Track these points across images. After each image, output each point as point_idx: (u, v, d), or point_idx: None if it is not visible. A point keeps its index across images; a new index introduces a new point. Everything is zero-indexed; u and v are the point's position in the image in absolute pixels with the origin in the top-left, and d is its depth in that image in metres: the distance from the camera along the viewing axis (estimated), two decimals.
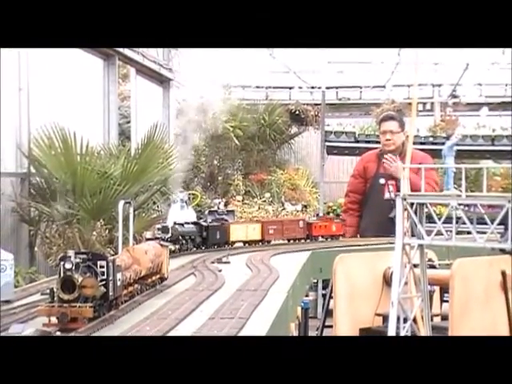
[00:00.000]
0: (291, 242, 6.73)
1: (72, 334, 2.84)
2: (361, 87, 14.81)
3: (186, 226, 4.77)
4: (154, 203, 8.97)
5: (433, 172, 7.67)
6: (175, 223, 4.62)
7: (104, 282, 3.07)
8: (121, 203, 3.96)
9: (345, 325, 4.58)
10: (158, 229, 4.50)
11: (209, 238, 5.80)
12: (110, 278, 3.09)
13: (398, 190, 6.74)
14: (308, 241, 6.85)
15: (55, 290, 2.98)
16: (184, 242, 5.37)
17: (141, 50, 10.80)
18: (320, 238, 6.97)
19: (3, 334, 2.85)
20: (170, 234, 4.33)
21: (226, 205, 10.86)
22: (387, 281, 4.59)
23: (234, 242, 6.19)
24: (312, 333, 7.01)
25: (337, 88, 14.88)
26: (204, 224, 5.60)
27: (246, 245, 6.32)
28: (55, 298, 2.98)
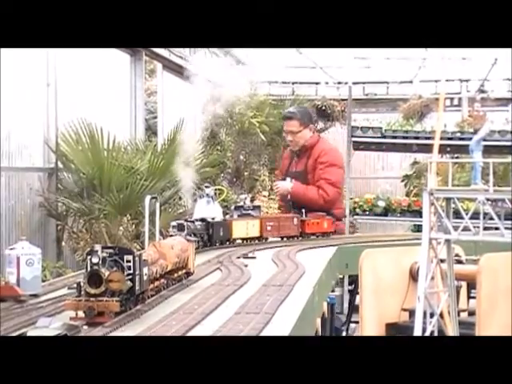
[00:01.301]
0: (284, 239, 6.61)
1: (97, 329, 2.86)
2: (388, 82, 14.74)
3: (196, 223, 4.69)
4: (180, 198, 8.99)
5: (334, 170, 7.57)
6: (187, 220, 4.56)
7: (130, 277, 3.08)
8: (147, 198, 3.98)
9: (371, 320, 4.57)
10: (173, 226, 4.35)
11: (213, 235, 5.71)
12: (137, 272, 3.10)
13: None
14: (300, 238, 6.73)
15: (82, 284, 2.99)
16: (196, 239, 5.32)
17: None
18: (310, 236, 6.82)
19: (31, 327, 2.86)
20: (185, 232, 4.20)
21: (252, 200, 10.88)
22: (414, 276, 4.57)
23: (234, 240, 6.10)
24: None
25: (363, 83, 14.82)
26: (210, 221, 5.53)
27: (245, 242, 6.22)
28: (82, 292, 3.00)
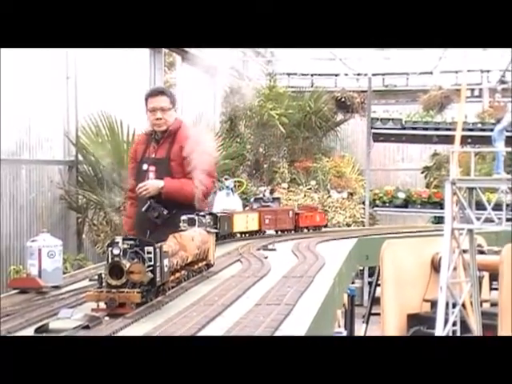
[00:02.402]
0: (279, 233, 6.42)
1: (118, 320, 2.86)
2: (408, 73, 14.69)
3: (207, 217, 4.52)
4: None
5: (207, 158, 6.28)
6: (197, 214, 4.41)
7: (151, 268, 3.08)
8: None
9: (392, 311, 4.56)
10: (184, 220, 4.12)
11: (220, 229, 5.65)
12: (157, 263, 3.11)
13: (157, 177, 6.18)
14: (293, 232, 6.52)
15: (103, 275, 3.00)
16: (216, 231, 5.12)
17: None
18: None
19: (53, 318, 2.88)
20: (196, 226, 4.04)
21: (271, 192, 10.88)
22: (435, 266, 4.55)
23: (235, 234, 5.97)
24: (358, 320, 6.98)
25: (383, 75, 14.78)
26: (218, 215, 5.45)
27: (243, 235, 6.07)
28: (103, 284, 3.00)
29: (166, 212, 5.90)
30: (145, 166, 6.28)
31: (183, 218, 4.11)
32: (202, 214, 4.30)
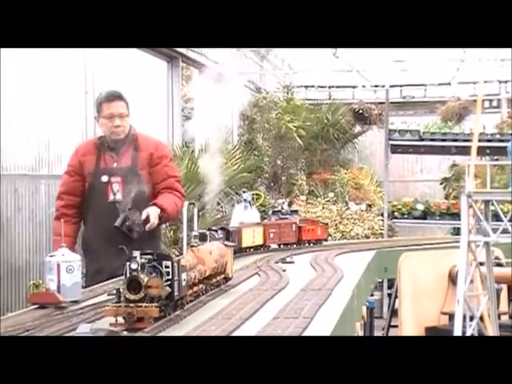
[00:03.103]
0: (282, 247, 6.19)
1: (137, 335, 2.87)
2: (425, 85, 14.66)
3: (219, 231, 4.36)
4: (218, 204, 9.03)
5: (175, 166, 6.11)
6: (210, 229, 4.17)
7: (169, 282, 3.08)
8: (185, 204, 3.99)
9: (410, 323, 4.55)
10: (195, 236, 3.87)
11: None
12: (175, 278, 3.11)
13: (124, 188, 5.63)
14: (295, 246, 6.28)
15: (121, 290, 3.00)
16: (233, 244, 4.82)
17: (204, 51, 10.86)
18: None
19: (72, 333, 2.89)
20: (208, 242, 3.87)
21: (289, 205, 10.88)
22: (453, 279, 4.54)
23: (242, 249, 5.62)
24: (378, 333, 6.96)
25: (401, 86, 14.76)
26: (229, 229, 5.07)
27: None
28: (122, 298, 3.00)
29: (142, 225, 5.56)
30: (104, 178, 5.73)
31: (194, 233, 3.91)
32: (213, 228, 4.24)
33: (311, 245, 6.36)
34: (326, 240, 6.52)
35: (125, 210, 5.54)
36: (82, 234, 5.99)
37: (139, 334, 2.89)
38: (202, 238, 3.85)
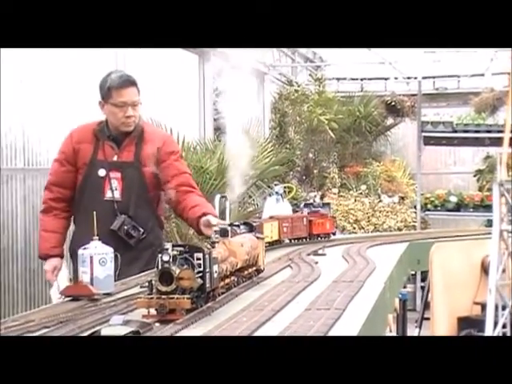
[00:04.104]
0: (293, 241, 5.87)
1: (169, 326, 2.89)
2: (459, 76, 14.57)
3: (241, 226, 4.08)
4: (250, 197, 9.04)
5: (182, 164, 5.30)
6: (232, 224, 3.96)
7: (201, 274, 3.09)
8: (217, 197, 4.00)
9: (442, 314, 4.51)
10: (216, 232, 3.64)
11: None
12: (207, 269, 3.12)
13: (125, 186, 5.02)
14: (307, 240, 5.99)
15: (154, 282, 3.02)
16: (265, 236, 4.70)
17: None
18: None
19: (104, 325, 2.91)
20: (229, 237, 3.64)
21: (321, 198, 10.88)
22: (486, 269, 4.49)
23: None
24: (411, 325, 6.93)
25: (434, 78, 14.68)
26: (253, 224, 4.51)
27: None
28: (154, 290, 3.01)
29: (142, 231, 5.03)
30: (102, 172, 5.05)
31: (215, 228, 3.70)
32: (235, 223, 4.01)
33: (322, 239, 6.09)
34: (334, 234, 6.26)
35: (123, 212, 4.99)
36: (72, 237, 5.35)
37: (171, 325, 2.90)
38: (223, 233, 3.65)
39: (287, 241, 5.79)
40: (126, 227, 4.93)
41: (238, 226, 3.98)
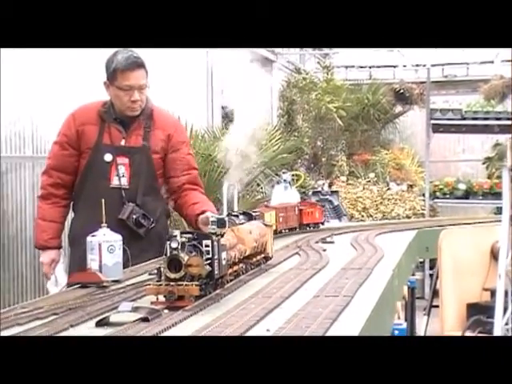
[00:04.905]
0: (285, 231, 5.58)
1: (177, 313, 2.90)
2: (468, 63, 14.53)
3: (240, 216, 3.90)
4: (258, 185, 9.05)
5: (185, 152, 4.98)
6: (230, 214, 3.79)
7: (209, 261, 3.09)
8: (225, 185, 3.97)
9: (451, 301, 4.52)
10: (212, 222, 3.40)
11: None
12: (215, 257, 3.13)
13: (133, 173, 4.74)
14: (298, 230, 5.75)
15: (162, 269, 3.03)
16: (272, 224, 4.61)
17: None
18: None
19: (113, 311, 2.92)
20: (226, 229, 3.40)
21: (330, 186, 10.87)
22: (495, 255, 4.49)
23: None
24: (419, 312, 6.93)
25: (443, 65, 14.64)
26: (253, 213, 4.27)
27: None
28: (162, 277, 3.02)
29: (151, 220, 4.78)
30: (108, 157, 4.74)
31: (212, 219, 3.44)
32: (234, 213, 3.84)
33: (312, 228, 5.87)
34: (322, 223, 6.01)
35: (131, 200, 4.70)
36: (70, 224, 5.06)
37: (180, 312, 2.91)
38: (221, 224, 3.42)
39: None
40: (134, 216, 4.65)
41: (237, 216, 3.85)
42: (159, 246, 4.49)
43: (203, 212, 4.69)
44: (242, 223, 3.87)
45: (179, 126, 5.15)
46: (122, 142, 4.76)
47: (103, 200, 3.98)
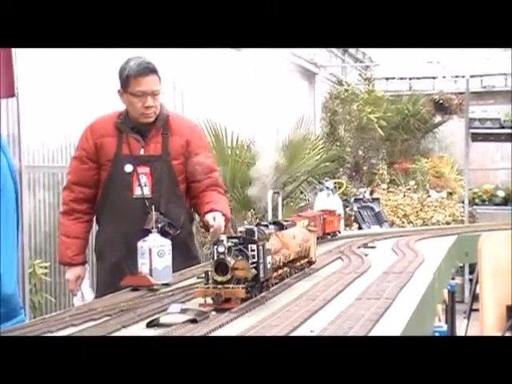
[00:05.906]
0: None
1: (224, 315, 2.98)
2: (506, 74, 14.48)
3: (270, 226, 3.79)
4: (302, 192, 9.13)
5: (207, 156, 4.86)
6: (260, 224, 3.70)
7: (255, 265, 3.17)
8: (270, 193, 4.03)
9: (491, 302, 4.53)
10: (241, 232, 3.35)
11: None
12: (261, 260, 3.20)
13: (155, 181, 4.64)
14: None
15: (210, 272, 3.11)
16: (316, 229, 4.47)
17: None
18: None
19: (163, 313, 3.00)
20: (256, 238, 3.31)
21: (371, 193, 10.93)
22: None
23: None
24: (459, 316, 6.95)
25: (481, 76, 14.61)
26: (284, 223, 4.11)
27: None
28: (210, 280, 3.10)
29: (176, 227, 4.63)
30: (128, 168, 4.65)
31: (240, 229, 3.38)
32: (263, 223, 3.75)
33: (332, 237, 5.73)
34: (339, 232, 5.89)
35: (156, 209, 4.47)
36: (96, 238, 4.98)
37: (227, 313, 2.99)
38: (249, 234, 3.33)
39: None
40: (160, 225, 4.41)
41: (267, 225, 3.76)
42: (186, 253, 4.71)
43: (211, 210, 4.65)
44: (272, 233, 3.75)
45: (197, 130, 5.04)
46: (142, 152, 4.69)
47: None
